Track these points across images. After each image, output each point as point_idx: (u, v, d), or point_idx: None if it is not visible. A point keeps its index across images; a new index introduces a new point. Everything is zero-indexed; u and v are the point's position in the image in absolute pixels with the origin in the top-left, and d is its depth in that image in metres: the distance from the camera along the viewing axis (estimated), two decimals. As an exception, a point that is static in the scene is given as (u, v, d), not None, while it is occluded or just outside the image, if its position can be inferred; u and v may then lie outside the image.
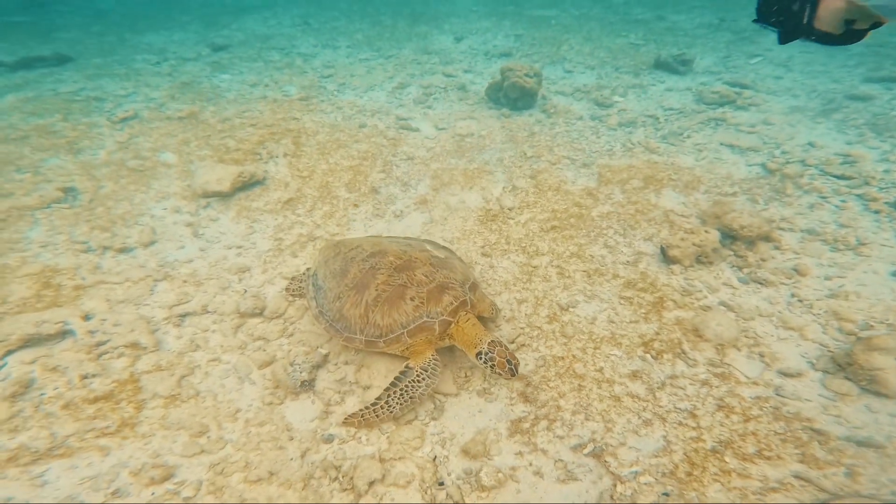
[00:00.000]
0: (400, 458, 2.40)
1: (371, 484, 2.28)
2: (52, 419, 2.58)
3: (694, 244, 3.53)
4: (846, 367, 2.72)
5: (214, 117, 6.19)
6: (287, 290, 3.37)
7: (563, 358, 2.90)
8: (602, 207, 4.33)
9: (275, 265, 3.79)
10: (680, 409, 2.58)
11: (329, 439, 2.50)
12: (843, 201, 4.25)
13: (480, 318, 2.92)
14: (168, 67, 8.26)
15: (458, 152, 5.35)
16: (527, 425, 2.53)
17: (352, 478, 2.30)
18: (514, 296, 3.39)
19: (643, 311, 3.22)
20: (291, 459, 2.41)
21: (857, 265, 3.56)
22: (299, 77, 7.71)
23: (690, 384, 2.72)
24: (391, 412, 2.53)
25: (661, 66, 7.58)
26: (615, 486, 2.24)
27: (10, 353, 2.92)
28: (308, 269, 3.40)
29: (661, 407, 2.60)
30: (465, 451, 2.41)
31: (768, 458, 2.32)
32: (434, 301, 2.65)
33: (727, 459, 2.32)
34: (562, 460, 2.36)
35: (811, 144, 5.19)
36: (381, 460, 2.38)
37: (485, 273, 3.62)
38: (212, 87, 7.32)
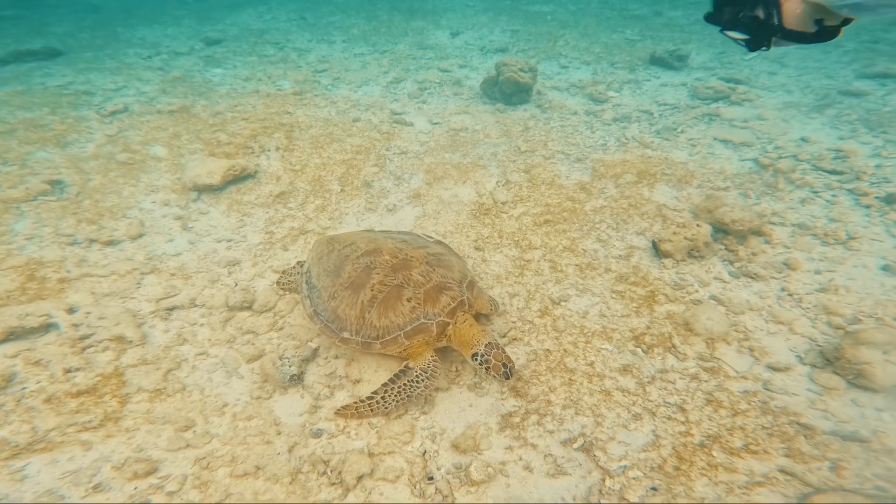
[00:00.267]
0: (389, 453, 2.38)
1: (360, 478, 2.26)
2: (33, 413, 2.55)
3: (686, 238, 3.53)
4: (834, 361, 2.72)
5: (206, 111, 6.12)
6: (278, 283, 3.34)
7: (554, 352, 2.89)
8: (595, 202, 4.32)
9: (265, 258, 3.76)
10: (669, 403, 2.58)
11: (318, 434, 2.48)
12: (834, 196, 4.25)
13: (478, 315, 2.89)
14: (160, 62, 8.16)
15: (452, 147, 5.32)
16: (517, 420, 2.52)
17: (340, 472, 2.28)
18: (506, 290, 3.37)
19: (635, 305, 3.21)
20: (279, 454, 2.38)
21: (847, 259, 3.56)
22: (293, 71, 7.65)
23: (680, 378, 2.72)
24: (385, 408, 2.51)
25: (656, 61, 7.57)
26: (604, 480, 2.23)
27: (-7, 346, 2.87)
28: (299, 263, 3.37)
29: (650, 401, 2.59)
30: (455, 446, 2.39)
31: (755, 453, 2.32)
32: (431, 302, 2.61)
33: (715, 454, 2.32)
34: (551, 455, 2.35)
35: (804, 140, 5.19)
36: (371, 455, 2.37)
37: (477, 267, 3.60)
38: (204, 81, 7.24)
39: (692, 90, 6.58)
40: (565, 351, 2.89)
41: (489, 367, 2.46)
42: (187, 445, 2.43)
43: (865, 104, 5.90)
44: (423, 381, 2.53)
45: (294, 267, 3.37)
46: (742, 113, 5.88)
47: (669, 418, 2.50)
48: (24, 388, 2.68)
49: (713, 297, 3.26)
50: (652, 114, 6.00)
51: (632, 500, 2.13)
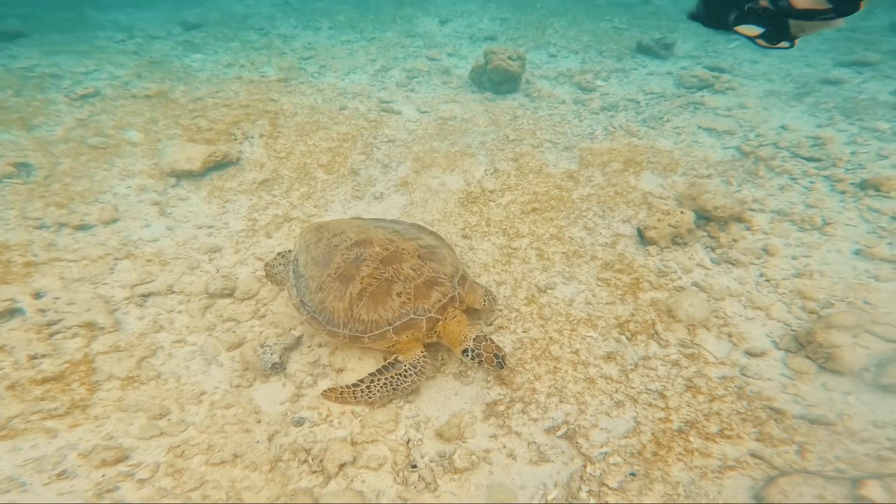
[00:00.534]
0: (373, 441, 2.35)
1: (342, 466, 2.23)
2: (-2, 402, 2.45)
3: (670, 225, 3.55)
4: (806, 345, 2.77)
5: (185, 97, 5.91)
6: (264, 270, 3.26)
7: (539, 340, 2.89)
8: (582, 190, 4.31)
9: (248, 246, 3.67)
10: (651, 390, 2.60)
11: (300, 422, 2.44)
12: (811, 182, 4.32)
13: (471, 311, 2.85)
14: (134, 45, 7.83)
15: (440, 135, 5.25)
16: (502, 408, 2.51)
17: (322, 460, 2.25)
18: (494, 278, 3.36)
19: (620, 292, 3.23)
20: (258, 442, 2.34)
21: (822, 244, 3.62)
22: (278, 58, 7.43)
23: (662, 365, 2.74)
24: (370, 398, 2.48)
25: (643, 50, 7.56)
26: (585, 466, 2.25)
27: (-45, 334, 2.75)
28: (285, 252, 3.29)
29: (633, 388, 2.61)
30: (440, 434, 2.38)
31: (729, 438, 2.36)
32: (422, 297, 2.57)
33: (691, 439, 2.35)
34: (535, 442, 2.35)
35: (784, 128, 5.25)
36: (353, 443, 2.34)
37: (465, 255, 3.57)
38: (183, 66, 6.99)
39: (678, 79, 6.60)
40: (551, 339, 2.89)
41: (482, 361, 2.45)
42: (161, 433, 2.37)
43: (842, 92, 5.99)
44: (411, 375, 2.51)
45: (278, 255, 3.29)
46: (725, 101, 5.92)
47: (650, 405, 2.52)
48: (-13, 377, 2.58)
49: (695, 284, 3.29)
50: (639, 103, 6.01)
51: (611, 486, 2.15)
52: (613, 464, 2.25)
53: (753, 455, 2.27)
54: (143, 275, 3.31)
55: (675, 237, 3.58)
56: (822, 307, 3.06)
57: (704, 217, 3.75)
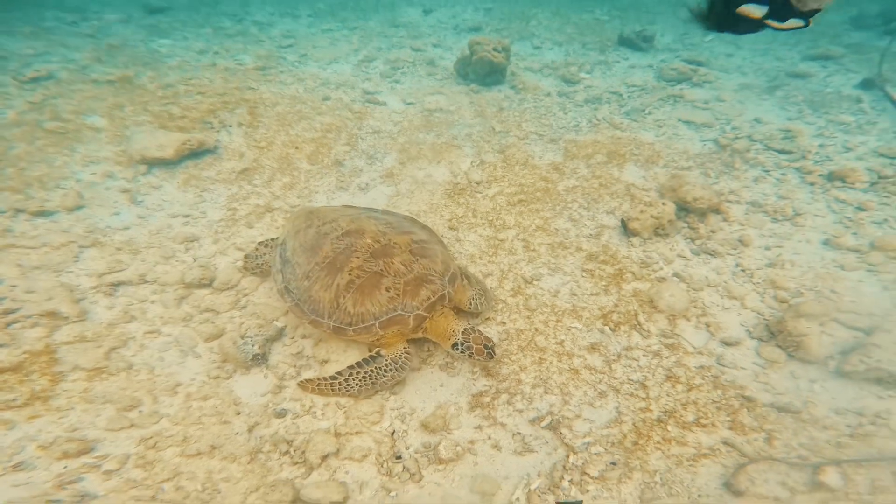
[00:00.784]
0: (357, 433, 2.32)
1: (324, 458, 2.19)
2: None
3: (652, 216, 3.60)
4: (777, 334, 2.85)
5: (153, 83, 5.63)
6: (244, 261, 3.16)
7: (525, 331, 2.89)
8: (567, 182, 4.33)
9: (228, 235, 3.55)
10: (632, 380, 2.64)
11: (282, 414, 2.39)
12: (783, 174, 4.45)
13: (460, 311, 2.81)
14: (90, 28, 7.38)
15: (426, 127, 5.18)
16: (487, 399, 2.51)
17: (304, 452, 2.21)
18: (480, 269, 3.34)
19: (604, 283, 3.26)
20: (237, 434, 2.27)
21: (792, 235, 3.73)
22: (255, 46, 7.18)
23: (643, 355, 2.79)
24: (348, 390, 2.44)
25: (624, 42, 7.62)
26: (568, 456, 2.27)
27: None
28: (267, 241, 3.19)
29: (615, 379, 2.65)
30: (425, 426, 2.37)
31: (704, 426, 2.42)
32: (411, 294, 2.52)
33: (669, 428, 2.40)
34: (520, 433, 2.36)
35: (757, 120, 5.39)
36: (337, 435, 2.30)
37: (451, 246, 3.54)
38: (149, 51, 6.64)
39: (658, 72, 6.69)
40: (536, 330, 2.90)
41: (472, 353, 2.43)
42: (131, 425, 2.29)
43: (810, 85, 6.19)
44: (390, 371, 2.47)
45: (261, 243, 3.19)
46: (703, 94, 6.04)
47: (632, 395, 2.56)
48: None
49: (676, 274, 3.36)
50: (621, 95, 6.07)
51: (592, 475, 2.18)
52: (595, 453, 2.28)
53: (725, 443, 2.34)
54: (112, 263, 3.16)
55: (658, 228, 3.64)
56: (792, 296, 3.16)
57: (685, 208, 3.82)
